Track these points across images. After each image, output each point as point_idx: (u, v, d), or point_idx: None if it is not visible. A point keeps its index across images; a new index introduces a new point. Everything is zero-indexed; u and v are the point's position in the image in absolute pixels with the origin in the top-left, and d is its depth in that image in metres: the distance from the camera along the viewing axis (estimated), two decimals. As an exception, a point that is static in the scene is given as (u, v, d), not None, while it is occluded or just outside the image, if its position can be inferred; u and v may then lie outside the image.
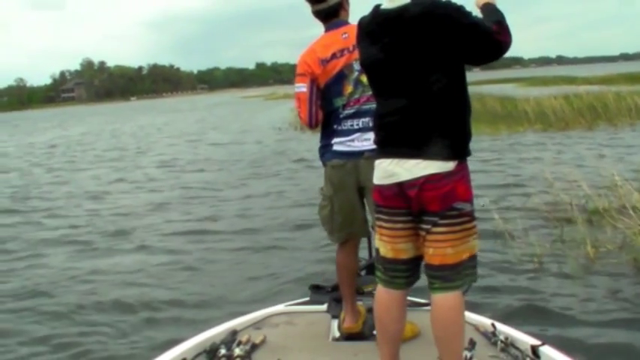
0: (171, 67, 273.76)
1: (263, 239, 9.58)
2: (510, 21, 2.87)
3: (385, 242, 3.08)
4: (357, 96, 3.69)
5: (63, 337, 6.15)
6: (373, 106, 3.28)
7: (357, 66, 3.58)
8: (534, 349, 3.51)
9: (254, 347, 3.74)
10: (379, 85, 3.09)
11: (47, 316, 6.78)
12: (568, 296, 6.18)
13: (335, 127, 3.77)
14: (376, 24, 2.99)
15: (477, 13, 2.98)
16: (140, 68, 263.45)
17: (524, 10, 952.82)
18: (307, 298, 4.52)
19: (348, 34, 3.67)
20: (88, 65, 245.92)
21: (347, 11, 3.84)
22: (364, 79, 3.47)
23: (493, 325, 3.82)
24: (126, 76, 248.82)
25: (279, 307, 4.42)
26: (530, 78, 72.50)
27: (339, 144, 3.76)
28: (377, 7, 3.02)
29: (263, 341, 3.84)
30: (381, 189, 3.01)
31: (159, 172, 19.37)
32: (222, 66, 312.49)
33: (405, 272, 3.08)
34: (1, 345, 6.08)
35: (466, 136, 2.96)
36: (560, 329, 5.38)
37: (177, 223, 11.39)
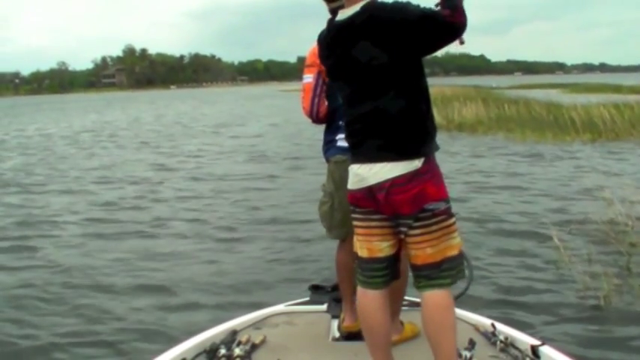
0: (213, 57, 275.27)
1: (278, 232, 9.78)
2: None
3: (361, 241, 3.13)
4: None
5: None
6: None
7: None
8: (534, 349, 3.50)
9: (254, 347, 3.74)
10: (342, 94, 3.18)
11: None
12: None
13: (340, 123, 3.72)
14: (331, 36, 3.10)
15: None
16: (181, 57, 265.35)
17: (569, 16, 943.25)
18: (307, 298, 4.53)
19: None
20: (129, 52, 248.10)
21: None
22: None
23: (493, 325, 3.82)
24: (167, 64, 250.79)
25: (279, 307, 4.43)
26: (574, 84, 71.49)
27: (343, 140, 3.69)
28: (331, 20, 3.13)
29: (263, 341, 3.85)
30: (354, 192, 3.08)
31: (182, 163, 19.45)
32: (264, 58, 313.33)
33: (382, 271, 3.09)
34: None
35: (429, 132, 3.00)
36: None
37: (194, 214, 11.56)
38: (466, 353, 3.36)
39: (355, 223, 3.15)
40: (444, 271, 2.96)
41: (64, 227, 10.71)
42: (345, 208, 3.66)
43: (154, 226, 10.64)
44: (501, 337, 3.62)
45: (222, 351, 3.62)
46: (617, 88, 51.96)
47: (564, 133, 21.46)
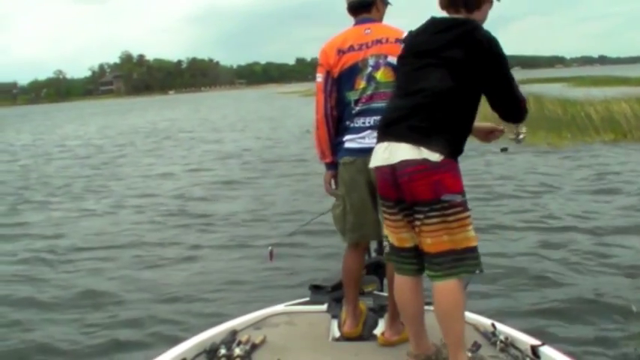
0: (211, 61, 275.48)
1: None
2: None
3: (391, 232, 3.29)
4: (369, 92, 3.69)
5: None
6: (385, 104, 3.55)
7: (371, 62, 3.68)
8: (534, 349, 3.48)
9: (254, 347, 3.73)
10: (401, 82, 3.30)
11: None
12: None
13: (347, 123, 3.76)
14: (425, 26, 3.25)
15: None
16: (179, 62, 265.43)
17: (566, 10, 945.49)
18: (307, 298, 4.51)
19: (370, 31, 3.75)
20: (126, 58, 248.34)
21: (380, 12, 3.88)
22: (378, 75, 3.66)
23: (493, 325, 3.79)
24: (165, 69, 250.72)
25: (279, 307, 4.42)
26: (579, 77, 69.94)
27: (350, 141, 3.73)
28: (433, 17, 3.25)
29: (263, 341, 3.83)
30: (379, 175, 3.21)
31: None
32: (262, 61, 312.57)
33: (411, 259, 3.22)
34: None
35: (459, 142, 3.14)
36: None
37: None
38: (468, 354, 3.30)
39: (384, 214, 3.29)
40: (458, 262, 3.02)
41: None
42: (356, 210, 3.76)
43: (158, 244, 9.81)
44: (501, 337, 3.61)
45: (222, 351, 3.62)
46: (625, 80, 50.31)
47: (583, 133, 19.32)
